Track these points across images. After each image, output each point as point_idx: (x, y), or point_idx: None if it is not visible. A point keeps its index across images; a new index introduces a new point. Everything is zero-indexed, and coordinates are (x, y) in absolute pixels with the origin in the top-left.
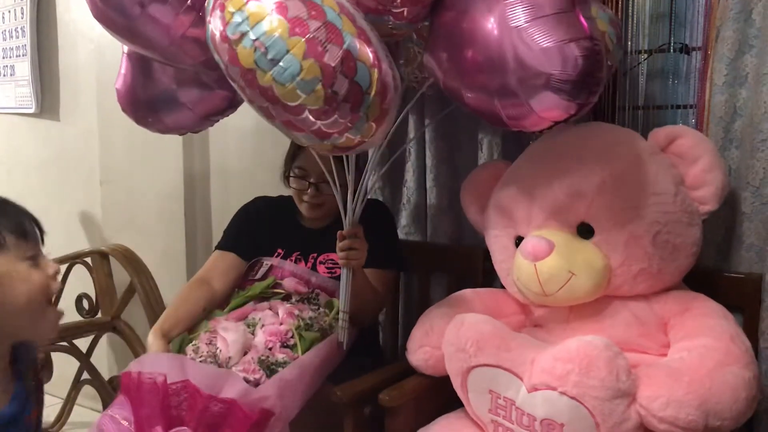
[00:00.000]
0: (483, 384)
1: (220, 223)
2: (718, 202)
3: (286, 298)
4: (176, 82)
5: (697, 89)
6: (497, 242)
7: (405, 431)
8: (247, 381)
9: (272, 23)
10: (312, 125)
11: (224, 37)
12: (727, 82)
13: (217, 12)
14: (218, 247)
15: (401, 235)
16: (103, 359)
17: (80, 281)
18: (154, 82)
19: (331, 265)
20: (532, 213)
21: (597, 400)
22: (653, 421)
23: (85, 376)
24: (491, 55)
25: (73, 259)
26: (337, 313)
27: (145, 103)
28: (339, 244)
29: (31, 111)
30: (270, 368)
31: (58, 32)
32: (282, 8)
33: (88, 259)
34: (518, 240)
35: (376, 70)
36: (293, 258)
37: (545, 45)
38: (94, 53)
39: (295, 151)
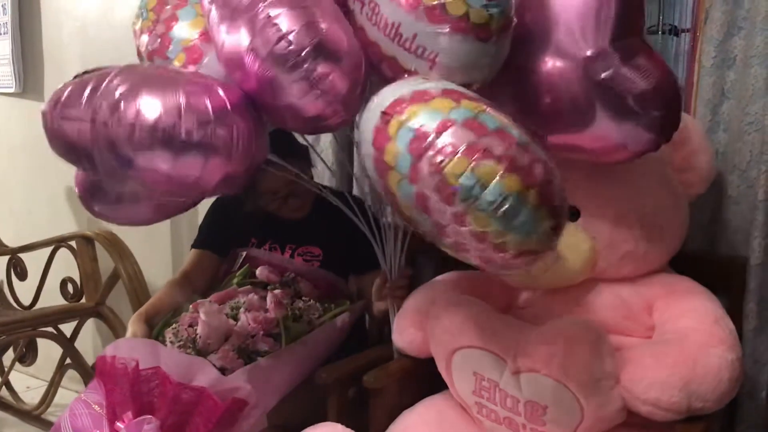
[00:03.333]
0: (467, 366)
1: (204, 202)
2: (705, 185)
3: (264, 286)
4: None
5: (685, 71)
6: None
7: (389, 413)
8: (224, 370)
9: (508, 181)
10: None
11: (448, 201)
12: (716, 64)
13: (426, 174)
14: (194, 246)
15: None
16: (88, 343)
17: (65, 265)
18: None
19: (309, 258)
20: None
21: (580, 382)
22: (636, 403)
23: (70, 360)
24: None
25: (57, 242)
26: (335, 315)
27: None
28: (389, 292)
29: (12, 90)
30: (249, 357)
31: (42, 10)
32: (512, 162)
33: (73, 243)
34: None
35: None
36: (267, 247)
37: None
38: (79, 31)
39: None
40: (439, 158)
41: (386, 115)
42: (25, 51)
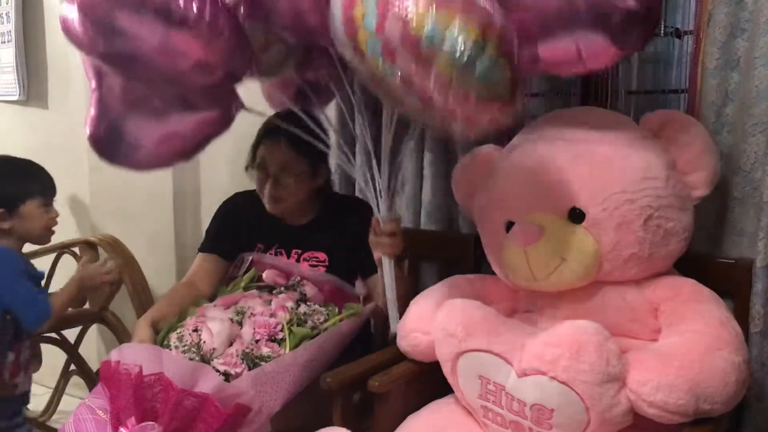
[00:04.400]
0: (473, 369)
1: (209, 206)
2: (709, 186)
3: (270, 290)
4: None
5: (689, 73)
6: (487, 228)
7: (394, 417)
8: (228, 375)
9: (468, 29)
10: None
11: (413, 49)
12: (719, 66)
13: (392, 27)
14: (201, 250)
15: None
16: (92, 349)
17: (69, 271)
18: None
19: (315, 263)
20: (522, 198)
21: (587, 385)
22: (643, 406)
23: (74, 366)
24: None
25: (61, 249)
26: (341, 320)
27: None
28: (379, 239)
29: (16, 98)
30: (254, 362)
31: (45, 18)
32: (470, 11)
33: (76, 249)
34: (509, 225)
35: None
36: (273, 251)
37: None
38: None
39: (259, 141)
40: (403, 10)
41: None
42: (29, 59)
